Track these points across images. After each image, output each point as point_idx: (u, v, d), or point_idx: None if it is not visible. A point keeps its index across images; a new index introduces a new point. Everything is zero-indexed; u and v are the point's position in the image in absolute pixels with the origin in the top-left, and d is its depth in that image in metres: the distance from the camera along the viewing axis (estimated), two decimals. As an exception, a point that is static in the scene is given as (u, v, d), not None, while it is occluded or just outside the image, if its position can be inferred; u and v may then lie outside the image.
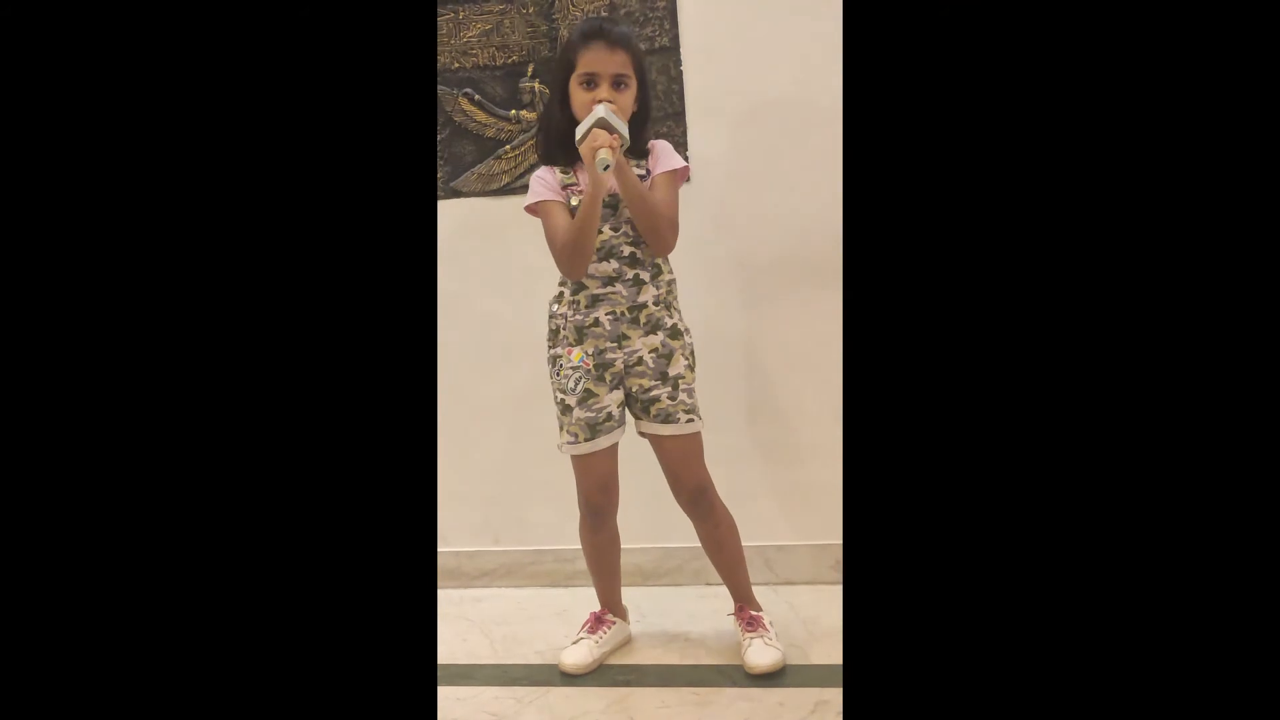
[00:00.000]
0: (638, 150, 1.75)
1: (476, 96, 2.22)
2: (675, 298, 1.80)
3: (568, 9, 2.15)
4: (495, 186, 2.23)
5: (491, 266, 2.24)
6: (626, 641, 1.91)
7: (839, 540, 2.05)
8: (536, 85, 2.19)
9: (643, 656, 1.85)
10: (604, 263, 1.73)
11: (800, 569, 2.12)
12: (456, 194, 2.24)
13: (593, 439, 1.76)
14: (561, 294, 1.79)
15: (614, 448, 1.80)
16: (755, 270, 2.13)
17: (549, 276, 2.22)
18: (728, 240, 2.11)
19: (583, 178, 1.72)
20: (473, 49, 2.21)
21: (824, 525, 2.10)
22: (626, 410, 1.80)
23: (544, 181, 1.76)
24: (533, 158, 2.20)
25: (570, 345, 1.77)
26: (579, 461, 1.80)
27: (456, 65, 2.21)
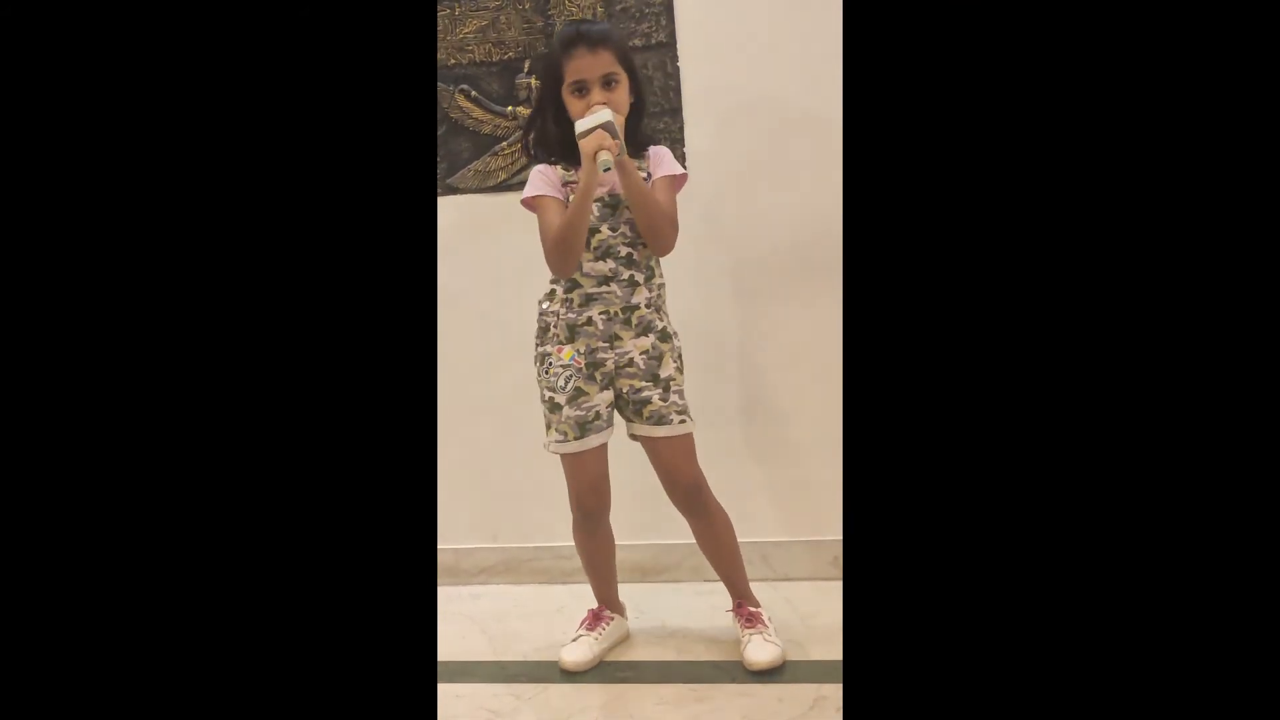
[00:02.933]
0: (635, 145, 1.76)
1: (473, 93, 2.21)
2: (664, 301, 1.81)
3: (564, 4, 2.15)
4: (492, 183, 2.23)
5: (488, 263, 2.24)
6: (625, 638, 1.91)
7: (836, 536, 2.05)
8: (533, 81, 2.18)
9: (641, 653, 1.85)
10: (600, 262, 1.73)
11: (798, 565, 2.12)
12: (453, 190, 2.24)
13: (582, 437, 1.76)
14: (553, 291, 1.78)
15: (604, 448, 1.80)
16: (752, 266, 2.12)
17: (544, 272, 2.22)
18: (724, 236, 2.11)
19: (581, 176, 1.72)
20: (469, 45, 2.20)
21: (821, 521, 2.10)
22: (615, 412, 1.80)
23: (545, 176, 1.75)
24: (529, 154, 2.20)
25: (561, 344, 1.76)
26: (570, 462, 1.80)
27: (453, 61, 2.21)
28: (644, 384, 1.75)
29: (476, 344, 2.25)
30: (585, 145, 1.61)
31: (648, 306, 1.76)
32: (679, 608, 2.03)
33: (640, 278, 1.75)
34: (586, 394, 1.75)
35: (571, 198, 1.71)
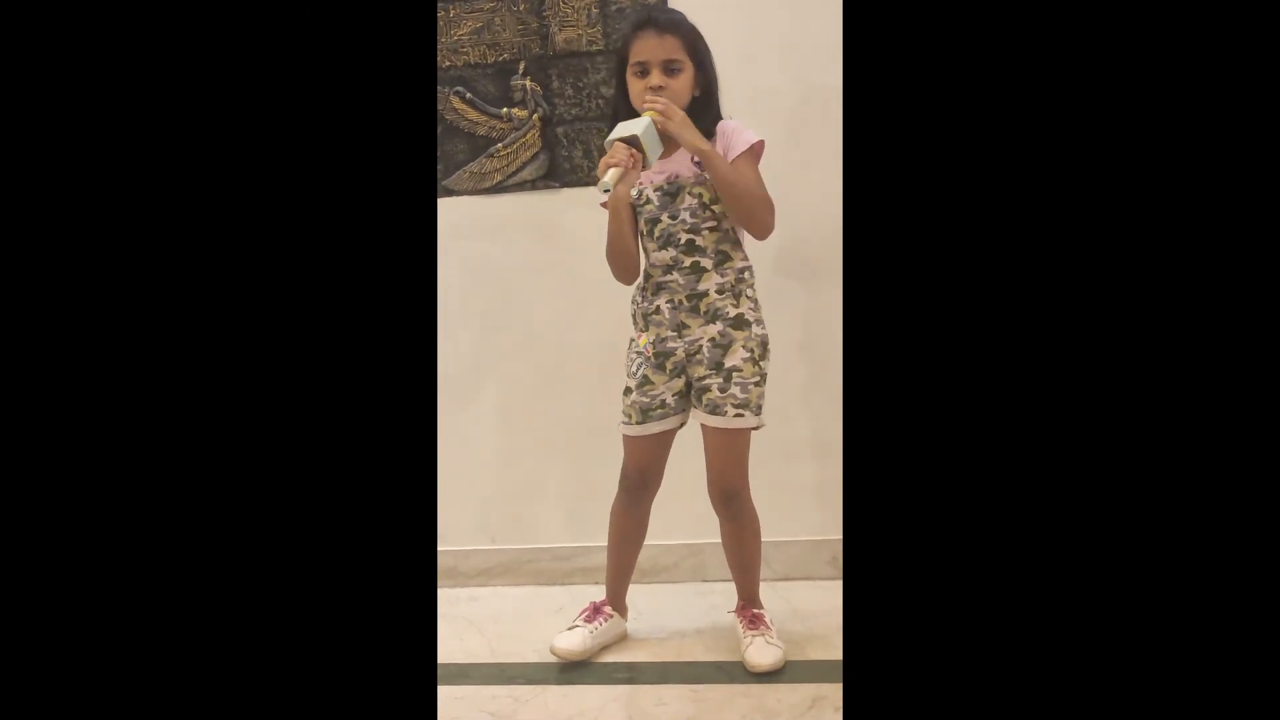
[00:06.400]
0: (704, 130, 1.73)
1: (468, 95, 2.21)
2: (748, 285, 1.77)
3: (558, 6, 2.15)
4: (487, 185, 2.23)
5: (485, 265, 2.24)
6: (622, 638, 1.90)
7: (836, 536, 2.05)
8: (528, 83, 2.18)
9: (640, 654, 1.85)
10: (662, 251, 1.74)
11: (797, 564, 2.12)
12: (449, 192, 2.24)
13: (643, 423, 1.78)
14: (639, 280, 1.82)
15: (665, 436, 1.80)
16: (757, 266, 2.11)
17: (542, 274, 2.22)
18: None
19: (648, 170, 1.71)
20: (464, 47, 2.20)
21: (820, 521, 2.10)
22: (689, 399, 1.80)
23: None
24: (525, 156, 2.20)
25: (640, 331, 1.80)
26: (627, 441, 1.83)
27: (448, 63, 2.21)
28: (708, 372, 1.74)
29: (473, 345, 2.25)
30: (602, 162, 1.62)
31: (719, 293, 1.73)
32: (677, 608, 2.03)
33: (708, 263, 1.73)
34: (653, 383, 1.77)
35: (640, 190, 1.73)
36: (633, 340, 1.82)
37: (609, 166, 1.59)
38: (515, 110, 2.20)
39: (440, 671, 1.78)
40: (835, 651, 1.75)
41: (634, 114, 1.68)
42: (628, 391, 1.80)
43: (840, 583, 1.97)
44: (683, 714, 1.60)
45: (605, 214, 1.77)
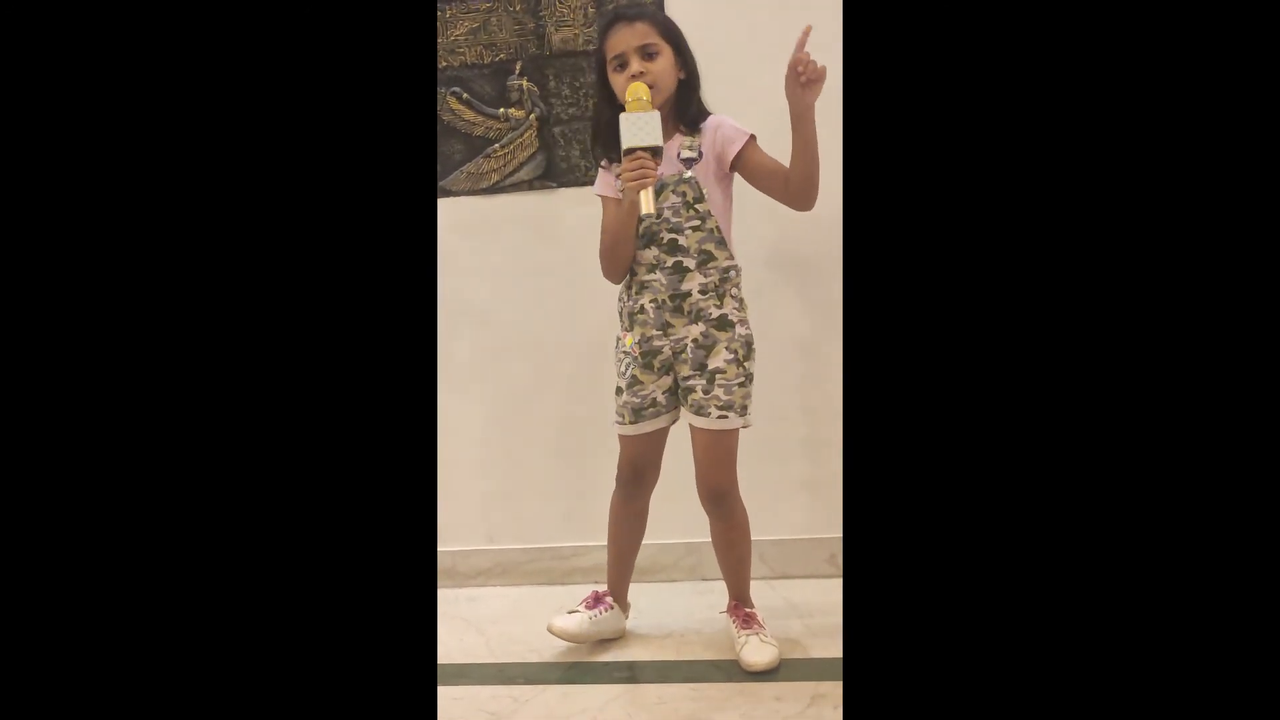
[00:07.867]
0: (690, 121, 1.75)
1: (465, 95, 2.21)
2: (733, 285, 1.76)
3: (554, 6, 2.15)
4: (485, 185, 2.23)
5: (482, 264, 2.24)
6: (621, 633, 1.91)
7: (835, 534, 2.06)
8: (524, 83, 2.18)
9: (639, 653, 1.85)
10: (646, 249, 1.74)
11: (796, 563, 2.12)
12: (446, 193, 2.24)
13: (636, 423, 1.79)
14: (626, 278, 1.81)
15: (659, 433, 1.81)
16: (751, 264, 2.11)
17: (539, 274, 2.22)
18: (719, 235, 2.11)
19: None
20: (460, 47, 2.20)
21: (820, 519, 2.11)
22: (678, 396, 1.80)
23: (605, 173, 1.79)
24: (522, 156, 2.20)
25: (626, 330, 1.80)
26: (622, 439, 1.83)
27: (444, 64, 2.21)
28: (692, 373, 1.75)
29: (471, 345, 2.25)
30: (626, 175, 1.61)
31: (702, 293, 1.73)
32: (677, 607, 2.04)
33: (691, 263, 1.72)
34: (642, 382, 1.77)
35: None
36: (619, 339, 1.82)
37: (641, 184, 1.59)
38: (512, 110, 2.20)
39: (439, 671, 1.78)
40: (834, 649, 1.75)
41: (619, 109, 1.66)
42: (619, 391, 1.81)
43: (839, 580, 1.98)
44: (682, 712, 1.60)
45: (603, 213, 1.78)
